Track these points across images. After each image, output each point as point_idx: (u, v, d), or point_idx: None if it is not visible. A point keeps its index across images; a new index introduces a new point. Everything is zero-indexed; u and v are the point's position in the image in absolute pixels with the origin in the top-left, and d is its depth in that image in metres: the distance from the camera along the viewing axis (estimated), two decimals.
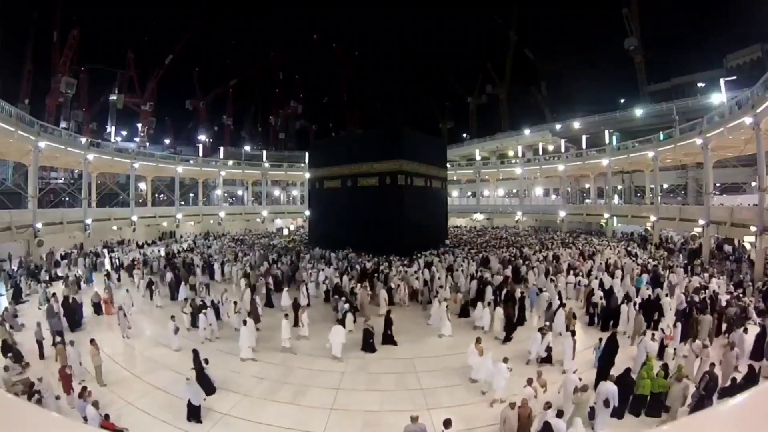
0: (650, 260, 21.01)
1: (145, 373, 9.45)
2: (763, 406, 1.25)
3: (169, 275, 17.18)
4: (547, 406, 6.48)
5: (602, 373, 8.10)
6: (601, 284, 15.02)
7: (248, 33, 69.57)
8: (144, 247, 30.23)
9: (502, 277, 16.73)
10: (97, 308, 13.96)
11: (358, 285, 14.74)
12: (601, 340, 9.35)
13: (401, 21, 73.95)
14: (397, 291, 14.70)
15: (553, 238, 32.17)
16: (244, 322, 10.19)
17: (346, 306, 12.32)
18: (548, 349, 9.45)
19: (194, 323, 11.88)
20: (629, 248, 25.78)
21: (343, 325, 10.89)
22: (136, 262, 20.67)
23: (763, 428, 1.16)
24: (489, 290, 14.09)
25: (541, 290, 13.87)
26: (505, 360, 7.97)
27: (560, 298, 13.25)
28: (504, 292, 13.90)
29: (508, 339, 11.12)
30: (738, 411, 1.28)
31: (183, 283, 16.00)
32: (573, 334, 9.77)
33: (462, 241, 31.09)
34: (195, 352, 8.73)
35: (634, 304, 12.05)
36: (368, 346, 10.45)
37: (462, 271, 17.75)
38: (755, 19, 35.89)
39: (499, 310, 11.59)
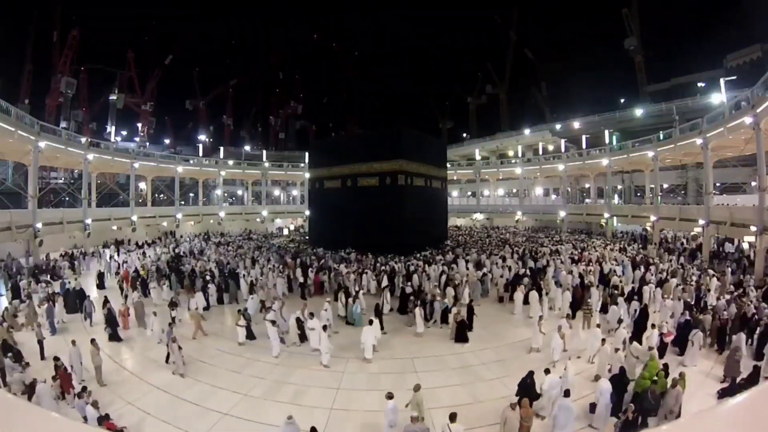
0: (639, 255, 22.79)
1: (145, 373, 9.45)
2: (763, 406, 1.25)
3: (211, 286, 15.42)
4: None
5: (637, 333, 10.71)
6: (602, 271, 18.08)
7: (248, 33, 69.67)
8: (144, 247, 30.16)
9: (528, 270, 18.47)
10: (113, 323, 12.11)
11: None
12: (636, 311, 11.92)
13: (401, 21, 73.98)
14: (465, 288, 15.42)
15: (540, 237, 33.10)
16: (324, 328, 10.21)
17: (446, 302, 13.11)
18: (619, 321, 11.26)
19: (250, 336, 11.34)
20: (622, 246, 26.80)
21: (446, 321, 12.23)
22: (146, 271, 18.40)
23: (763, 428, 1.16)
24: (526, 280, 15.93)
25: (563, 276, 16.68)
26: (598, 326, 10.59)
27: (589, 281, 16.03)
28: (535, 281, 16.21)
29: (573, 316, 12.73)
30: (738, 411, 1.28)
31: (253, 296, 14.36)
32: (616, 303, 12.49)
33: (458, 242, 31.01)
34: (56, 359, 8.43)
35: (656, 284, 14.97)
36: (462, 337, 11.21)
37: (497, 266, 19.10)
38: (755, 19, 35.91)
39: (567, 294, 13.79)
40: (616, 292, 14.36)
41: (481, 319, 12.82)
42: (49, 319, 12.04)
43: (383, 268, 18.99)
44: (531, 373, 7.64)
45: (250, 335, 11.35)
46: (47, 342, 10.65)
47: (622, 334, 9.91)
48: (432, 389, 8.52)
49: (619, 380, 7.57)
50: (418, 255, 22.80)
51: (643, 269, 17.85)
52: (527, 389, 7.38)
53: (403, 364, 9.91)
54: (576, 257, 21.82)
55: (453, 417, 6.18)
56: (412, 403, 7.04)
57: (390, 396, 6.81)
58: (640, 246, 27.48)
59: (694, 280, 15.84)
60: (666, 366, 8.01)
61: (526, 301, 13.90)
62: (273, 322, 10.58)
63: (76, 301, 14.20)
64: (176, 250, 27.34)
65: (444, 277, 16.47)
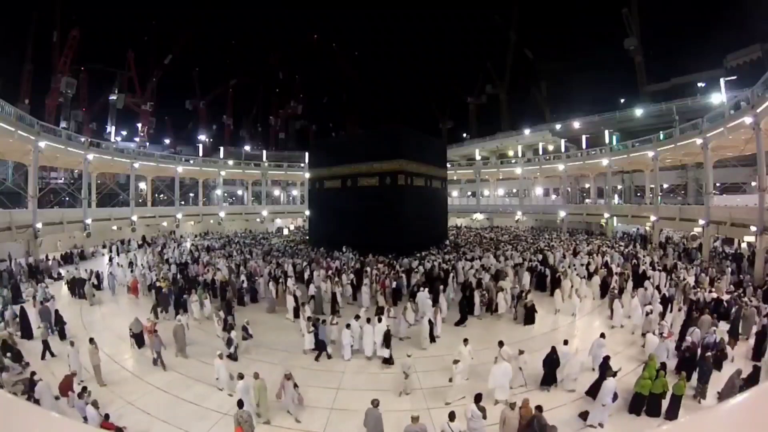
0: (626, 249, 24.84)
1: (145, 373, 9.44)
2: (763, 406, 1.25)
3: (290, 300, 13.73)
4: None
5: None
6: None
7: (248, 33, 69.66)
8: (145, 247, 30.13)
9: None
10: (139, 339, 10.84)
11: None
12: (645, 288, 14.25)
13: (401, 21, 74.06)
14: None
15: (523, 236, 33.80)
16: (368, 320, 10.53)
17: (517, 288, 15.09)
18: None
19: (317, 345, 10.49)
20: (610, 243, 28.30)
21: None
22: (167, 283, 15.78)
23: (763, 428, 1.16)
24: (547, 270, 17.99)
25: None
26: (648, 304, 12.30)
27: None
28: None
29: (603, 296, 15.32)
30: (738, 411, 1.28)
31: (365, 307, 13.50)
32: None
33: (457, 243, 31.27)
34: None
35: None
36: (531, 319, 12.76)
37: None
38: (755, 19, 35.88)
39: (596, 279, 16.23)
40: (623, 278, 16.63)
41: (484, 318, 13.18)
42: (48, 319, 12.01)
43: (417, 268, 18.84)
44: (554, 349, 8.64)
45: (318, 343, 10.52)
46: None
47: (658, 309, 12.16)
48: (434, 389, 8.53)
49: (601, 368, 8.12)
50: (422, 254, 23.01)
51: (634, 261, 20.27)
52: (552, 364, 8.48)
53: (403, 364, 9.89)
54: (572, 252, 23.49)
55: (452, 416, 6.24)
56: (254, 389, 7.42)
57: (241, 376, 7.62)
58: (640, 245, 27.66)
59: (692, 281, 15.93)
60: (663, 365, 8.02)
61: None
62: (348, 325, 10.29)
63: (81, 290, 15.70)
64: (163, 255, 24.86)
65: (476, 270, 17.98)
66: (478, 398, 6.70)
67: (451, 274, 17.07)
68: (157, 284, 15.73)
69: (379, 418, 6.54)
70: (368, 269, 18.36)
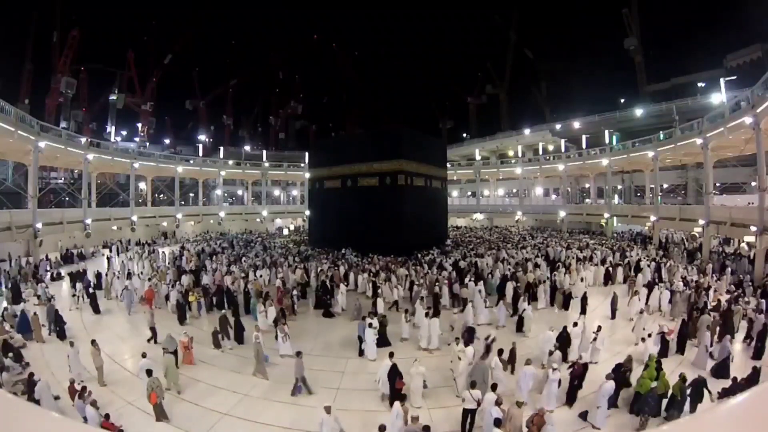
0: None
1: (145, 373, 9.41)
2: (763, 406, 1.25)
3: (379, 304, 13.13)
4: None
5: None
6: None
7: (248, 33, 69.64)
8: (148, 247, 30.02)
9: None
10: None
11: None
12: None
13: (401, 21, 74.07)
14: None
15: (512, 236, 34.26)
16: (428, 314, 11.39)
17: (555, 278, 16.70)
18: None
19: (381, 342, 10.60)
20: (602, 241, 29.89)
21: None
22: (195, 297, 14.19)
23: (763, 428, 1.16)
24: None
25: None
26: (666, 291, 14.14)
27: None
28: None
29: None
30: (738, 411, 1.28)
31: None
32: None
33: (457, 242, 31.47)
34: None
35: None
36: (567, 305, 14.24)
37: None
38: (755, 19, 35.89)
39: (601, 269, 18.70)
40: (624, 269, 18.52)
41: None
42: (49, 319, 12.02)
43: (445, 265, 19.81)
44: (565, 328, 10.14)
45: (382, 342, 10.65)
46: (46, 343, 10.63)
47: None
48: (432, 389, 8.52)
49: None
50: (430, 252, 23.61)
51: (619, 256, 22.27)
52: (564, 340, 9.83)
53: (405, 363, 9.88)
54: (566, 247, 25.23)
55: (473, 384, 6.97)
56: (161, 365, 8.10)
57: (144, 355, 8.55)
58: (640, 245, 27.70)
59: (693, 280, 15.94)
60: (659, 362, 8.03)
61: None
62: (370, 325, 10.47)
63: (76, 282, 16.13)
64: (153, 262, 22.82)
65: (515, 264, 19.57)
66: (500, 352, 8.36)
67: (497, 267, 18.46)
68: (188, 301, 13.88)
69: (486, 369, 7.80)
70: (403, 270, 18.42)
